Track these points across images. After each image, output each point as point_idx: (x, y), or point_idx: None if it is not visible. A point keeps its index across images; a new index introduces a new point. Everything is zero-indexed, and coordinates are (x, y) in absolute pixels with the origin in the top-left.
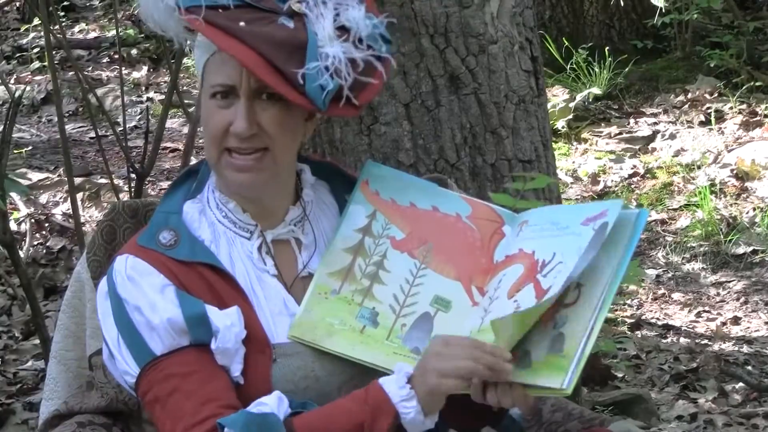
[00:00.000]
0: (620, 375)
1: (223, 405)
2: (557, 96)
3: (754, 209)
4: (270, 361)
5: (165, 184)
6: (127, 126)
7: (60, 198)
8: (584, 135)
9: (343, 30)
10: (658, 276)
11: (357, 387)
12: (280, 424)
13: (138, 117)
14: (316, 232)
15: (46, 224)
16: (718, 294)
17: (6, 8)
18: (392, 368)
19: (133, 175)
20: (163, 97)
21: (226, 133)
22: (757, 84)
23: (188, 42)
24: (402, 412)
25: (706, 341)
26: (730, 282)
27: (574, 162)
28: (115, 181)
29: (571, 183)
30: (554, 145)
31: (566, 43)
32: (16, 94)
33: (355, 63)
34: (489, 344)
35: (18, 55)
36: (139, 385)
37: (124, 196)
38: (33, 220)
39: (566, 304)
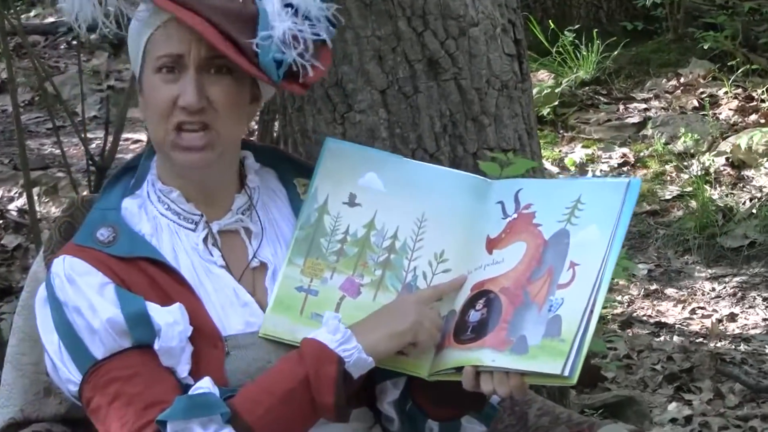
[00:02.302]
0: (610, 376)
1: (168, 408)
2: (542, 81)
3: (751, 199)
4: (223, 354)
5: None
6: (87, 116)
7: (15, 193)
8: (571, 122)
9: (290, 7)
10: (649, 271)
11: None
12: (221, 402)
13: (98, 106)
14: (265, 219)
15: (1, 221)
16: (714, 289)
17: None
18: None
19: (92, 168)
20: (124, 85)
21: (172, 108)
22: (753, 67)
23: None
24: (344, 355)
25: (700, 340)
26: (725, 277)
27: (560, 151)
28: (74, 175)
29: (558, 173)
30: (539, 134)
31: (552, 25)
32: None
33: (303, 41)
34: (435, 288)
35: None
36: (82, 393)
37: (84, 191)
38: None
39: (561, 285)
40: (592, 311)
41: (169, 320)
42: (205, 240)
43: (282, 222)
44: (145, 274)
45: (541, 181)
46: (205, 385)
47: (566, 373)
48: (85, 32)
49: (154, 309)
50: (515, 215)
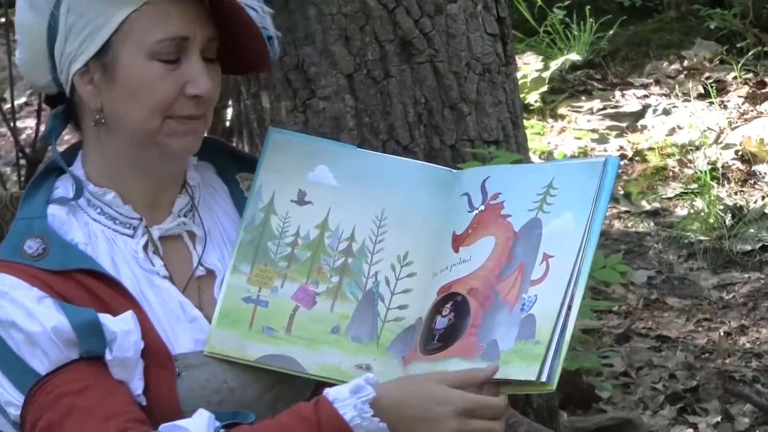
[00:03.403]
0: (606, 396)
1: (128, 419)
2: (529, 64)
3: (763, 197)
4: (174, 375)
5: None
6: (16, 103)
7: None
8: (561, 110)
9: None
10: (650, 278)
11: (280, 396)
12: None
13: (28, 92)
14: (209, 220)
15: None
16: (722, 299)
17: None
18: (340, 376)
19: (23, 161)
20: None
21: (176, 98)
22: (766, 49)
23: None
24: None
25: (707, 355)
26: (735, 284)
27: (549, 143)
28: (2, 168)
29: None
30: (526, 123)
31: (539, 2)
32: None
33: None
34: (484, 399)
35: None
36: (26, 416)
37: (13, 186)
38: None
39: (534, 281)
40: (570, 307)
41: (124, 328)
42: (145, 247)
43: (227, 223)
44: (84, 288)
45: (510, 166)
46: (194, 426)
47: (543, 379)
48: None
49: (105, 317)
50: (482, 207)
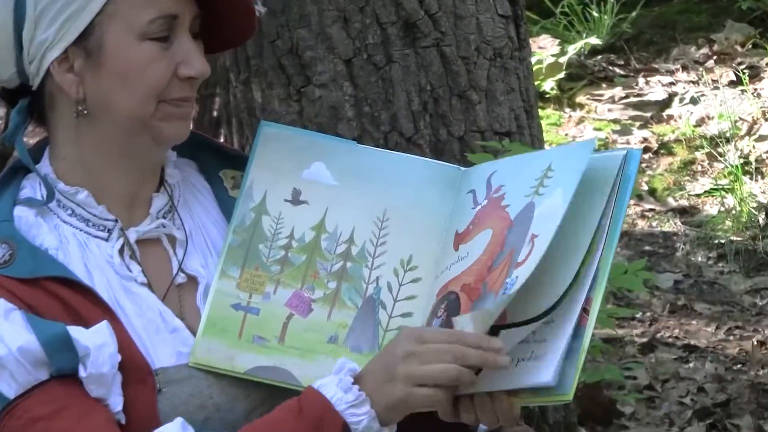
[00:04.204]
0: (628, 411)
1: None
2: (544, 49)
3: None
4: (154, 391)
5: None
6: None
7: None
8: (580, 99)
9: None
10: (676, 282)
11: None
12: None
13: None
14: (190, 222)
15: None
16: (755, 305)
17: None
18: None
19: None
20: None
21: (169, 81)
22: None
23: None
24: (351, 421)
25: (739, 366)
26: None
27: (566, 134)
28: None
29: None
30: (540, 113)
31: None
32: None
33: None
34: (473, 334)
35: None
36: None
37: None
38: None
39: (518, 263)
40: (586, 311)
41: (98, 341)
42: (120, 252)
43: (210, 224)
44: (54, 297)
45: (516, 157)
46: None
47: (560, 386)
48: None
49: (77, 331)
50: (485, 202)
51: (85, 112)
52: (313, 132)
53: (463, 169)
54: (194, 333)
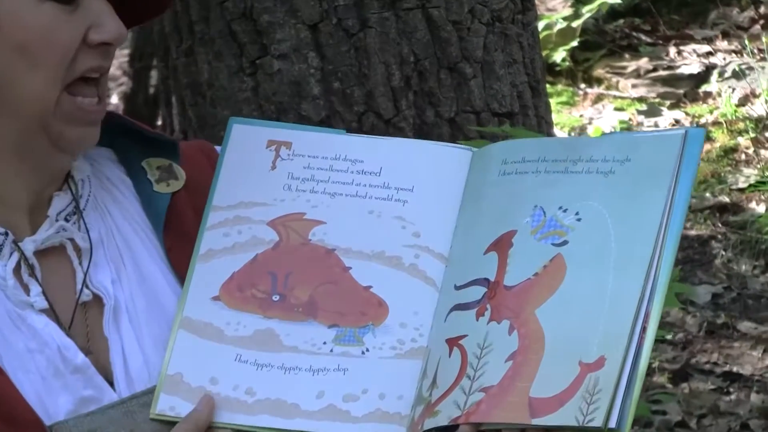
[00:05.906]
0: None
1: None
2: (554, 11)
3: None
4: None
5: None
6: None
7: None
8: (597, 73)
9: None
10: (715, 296)
11: None
12: None
13: None
14: (100, 226)
15: None
16: None
17: None
18: None
19: None
20: None
21: (77, 51)
22: None
23: None
24: None
25: None
26: None
27: (581, 116)
28: None
29: None
30: (550, 89)
31: None
32: None
33: None
34: None
35: None
36: None
37: None
38: None
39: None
40: (644, 329)
41: None
42: (16, 270)
43: (127, 228)
44: None
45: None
46: None
47: (612, 425)
48: None
49: None
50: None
51: None
52: (295, 125)
53: (474, 150)
54: (102, 370)
